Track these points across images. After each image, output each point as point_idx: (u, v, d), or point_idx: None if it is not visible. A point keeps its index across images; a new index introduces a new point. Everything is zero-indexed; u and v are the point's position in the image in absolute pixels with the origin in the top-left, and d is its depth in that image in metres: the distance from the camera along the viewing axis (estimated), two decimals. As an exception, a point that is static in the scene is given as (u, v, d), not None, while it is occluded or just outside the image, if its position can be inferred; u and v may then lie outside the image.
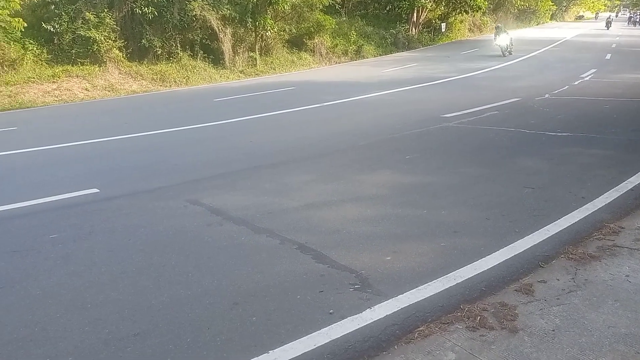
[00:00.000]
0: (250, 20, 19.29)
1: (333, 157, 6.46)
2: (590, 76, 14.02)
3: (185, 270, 3.38)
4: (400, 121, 8.63)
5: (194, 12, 17.99)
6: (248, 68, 19.82)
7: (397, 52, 25.91)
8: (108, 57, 16.69)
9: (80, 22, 16.25)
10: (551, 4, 48.49)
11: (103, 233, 4.15)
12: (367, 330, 2.58)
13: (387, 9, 28.14)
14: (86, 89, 15.71)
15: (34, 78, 15.28)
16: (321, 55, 22.76)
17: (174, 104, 13.51)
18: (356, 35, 24.40)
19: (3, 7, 14.89)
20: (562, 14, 59.08)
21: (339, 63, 22.93)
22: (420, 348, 2.42)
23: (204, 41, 18.98)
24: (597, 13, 63.30)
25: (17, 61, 15.36)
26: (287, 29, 21.57)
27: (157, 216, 4.51)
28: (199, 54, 18.77)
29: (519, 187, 4.86)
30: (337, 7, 24.62)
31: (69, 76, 15.88)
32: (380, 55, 24.79)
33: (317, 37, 22.57)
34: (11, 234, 4.27)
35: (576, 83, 12.69)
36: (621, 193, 4.52)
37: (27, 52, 15.65)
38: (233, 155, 6.86)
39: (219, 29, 18.91)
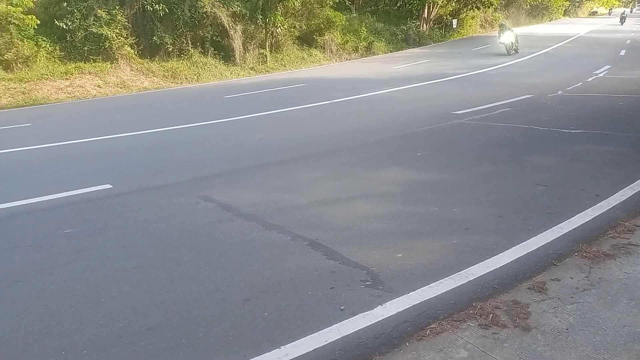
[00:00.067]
0: (261, 16, 19.31)
1: (343, 154, 6.45)
2: (604, 73, 13.85)
3: (197, 265, 3.40)
4: (411, 118, 8.59)
5: (205, 9, 18.05)
6: (258, 65, 19.86)
7: (408, 48, 25.79)
8: (120, 54, 16.82)
9: (92, 19, 16.38)
10: (564, -1, 47.98)
11: (116, 228, 4.19)
12: (378, 327, 2.58)
13: (398, 5, 28.00)
14: (98, 86, 15.84)
15: (47, 75, 15.45)
16: (331, 51, 22.73)
17: (185, 101, 13.57)
18: (367, 31, 24.32)
19: (17, 4, 15.06)
20: (575, 9, 58.34)
21: (349, 60, 22.89)
22: (432, 345, 2.42)
23: (214, 38, 19.05)
24: (611, 9, 62.40)
25: (31, 58, 15.53)
26: (297, 26, 21.56)
27: (169, 212, 4.54)
28: (210, 51, 18.84)
29: (531, 184, 4.82)
30: (347, 3, 24.57)
31: (82, 73, 16.03)
32: (390, 51, 24.70)
33: (327, 34, 22.53)
34: (26, 229, 4.32)
35: (590, 79, 12.54)
36: (636, 191, 4.47)
37: (41, 50, 15.82)
38: (243, 151, 6.88)
39: (229, 26, 18.95)
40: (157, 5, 17.06)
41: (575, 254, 3.31)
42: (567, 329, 2.49)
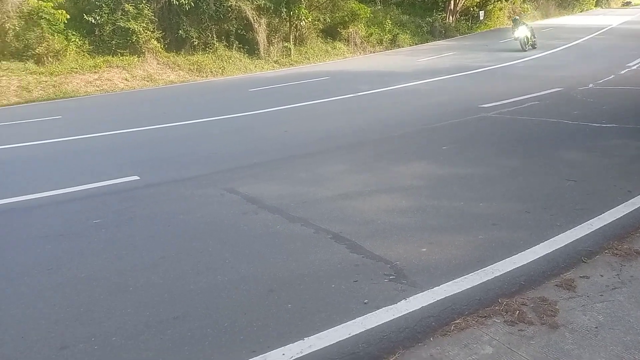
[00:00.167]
0: (285, 10, 19.32)
1: (367, 148, 6.43)
2: (637, 65, 13.38)
3: (223, 256, 3.44)
4: (436, 111, 8.49)
5: (230, 3, 18.17)
6: (282, 58, 19.89)
7: (434, 40, 25.44)
8: (147, 47, 17.08)
9: (119, 13, 16.67)
10: (596, -10, 46.55)
11: (143, 219, 4.28)
12: (402, 321, 2.57)
13: (424, -4, 27.64)
14: (126, 79, 16.14)
15: (76, 68, 15.81)
16: (355, 44, 22.60)
17: (210, 94, 13.71)
18: (391, 24, 24.07)
19: (47, -1, 15.43)
20: (607, 0, 56.52)
21: (374, 52, 22.72)
22: (456, 341, 2.40)
23: (239, 31, 19.15)
24: (645, -1, 60.23)
25: (61, 52, 15.91)
26: (321, 19, 21.49)
27: (195, 204, 4.61)
28: (235, 45, 18.95)
29: (560, 179, 4.71)
30: (372, -5, 24.39)
31: (110, 67, 16.35)
32: (415, 44, 24.41)
33: (351, 27, 22.39)
34: (57, 218, 4.45)
35: (622, 72, 12.14)
36: (670, 187, 4.32)
37: (70, 44, 16.19)
38: (268, 144, 6.92)
39: (253, 19, 19.03)
40: (183, 0, 17.25)
41: (606, 251, 3.23)
42: (596, 328, 2.44)
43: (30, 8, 15.60)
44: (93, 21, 16.45)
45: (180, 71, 17.46)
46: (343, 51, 21.94)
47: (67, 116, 11.10)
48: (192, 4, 17.38)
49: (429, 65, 16.16)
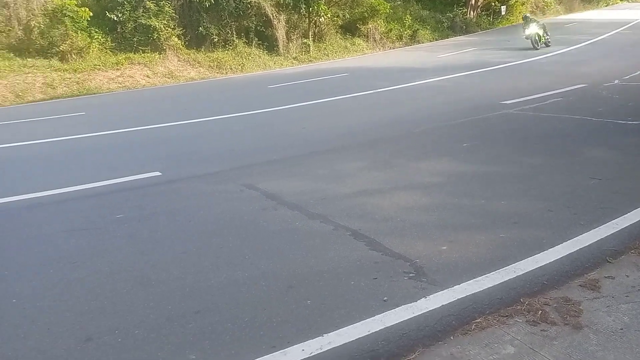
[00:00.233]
0: (304, 6, 19.31)
1: (387, 144, 6.39)
2: (665, 60, 13.04)
3: (242, 252, 3.47)
4: (457, 108, 8.40)
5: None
6: (301, 54, 19.90)
7: (454, 36, 25.15)
8: (167, 44, 17.27)
9: (141, 10, 16.87)
10: (623, -17, 45.31)
11: (165, 214, 4.34)
12: (422, 320, 2.56)
13: (444, -9, 27.31)
14: (147, 76, 16.35)
15: (99, 65, 16.07)
16: (375, 40, 22.47)
17: (229, 91, 13.80)
18: (411, 19, 23.85)
19: (71, -3, 15.71)
20: (634, -7, 54.99)
21: (393, 48, 22.55)
22: (477, 340, 2.38)
23: (258, 28, 19.22)
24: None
25: (84, 49, 16.20)
26: (340, 15, 21.43)
27: (214, 199, 4.65)
28: (254, 41, 19.03)
29: (584, 177, 4.62)
30: (392, -10, 24.18)
31: (131, 63, 16.58)
32: (436, 39, 24.15)
33: (370, 22, 22.26)
34: (81, 213, 4.54)
35: (650, 68, 11.83)
36: (700, 186, 4.21)
37: (93, 41, 16.46)
38: (287, 141, 6.94)
39: (273, 16, 19.07)
40: (203, -4, 17.37)
41: (632, 251, 3.16)
42: (621, 329, 2.39)
43: (55, 6, 15.90)
44: (115, 18, 16.69)
45: (201, 68, 17.61)
46: (362, 47, 21.84)
47: (90, 112, 11.29)
48: (212, 0, 17.49)
49: (449, 61, 15.98)
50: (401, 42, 23.15)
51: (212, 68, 17.69)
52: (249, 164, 5.81)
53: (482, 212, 3.97)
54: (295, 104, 9.89)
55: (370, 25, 22.32)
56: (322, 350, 2.35)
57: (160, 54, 17.17)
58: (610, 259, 3.07)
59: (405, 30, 23.30)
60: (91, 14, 16.06)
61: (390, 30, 22.91)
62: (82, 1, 16.30)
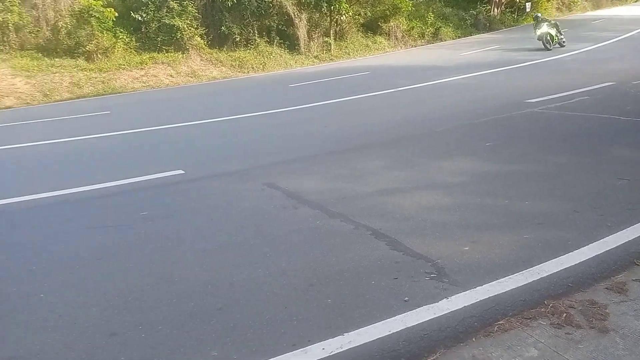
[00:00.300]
0: (326, 4, 19.31)
1: (408, 143, 6.35)
2: (698, 57, 12.63)
3: (263, 250, 3.49)
4: (480, 106, 8.29)
5: (271, -2, 18.32)
6: (322, 53, 19.91)
7: (478, 33, 24.81)
8: (190, 44, 17.48)
9: (165, 10, 17.11)
10: (654, -23, 43.97)
11: (188, 212, 4.40)
12: (443, 320, 2.54)
13: (468, -12, 26.95)
14: (171, 75, 16.59)
15: (124, 65, 16.37)
16: (396, 38, 22.33)
17: (251, 90, 13.89)
18: (434, 17, 23.64)
19: (97, -2, 16.04)
20: (666, -12, 53.36)
21: (415, 46, 22.39)
22: (500, 342, 2.35)
23: (280, 27, 19.30)
24: None
25: (109, 49, 16.52)
26: (362, 13, 21.36)
27: (236, 198, 4.69)
28: (275, 40, 19.12)
29: (611, 178, 4.50)
30: (414, -12, 23.99)
31: (155, 63, 16.84)
32: (459, 37, 23.88)
33: (392, 20, 22.13)
34: (106, 210, 4.64)
35: (681, 65, 11.48)
36: None
37: (118, 41, 16.77)
38: (308, 140, 6.95)
39: (294, 15, 19.12)
40: (225, -4, 17.52)
41: (661, 254, 3.08)
42: (650, 334, 2.33)
43: (81, 7, 16.25)
44: (139, 18, 16.97)
45: (223, 67, 17.78)
46: (384, 45, 21.73)
47: (115, 111, 11.51)
48: (234, 0, 17.62)
49: (472, 59, 15.78)
50: (423, 40, 22.96)
51: (234, 67, 17.84)
52: (270, 162, 5.84)
53: (506, 212, 3.91)
54: (316, 103, 9.90)
55: (392, 23, 22.19)
56: (342, 350, 2.35)
57: (183, 53, 17.39)
58: (638, 262, 3.00)
59: (427, 28, 23.10)
60: (116, 14, 16.37)
61: (412, 28, 22.74)
62: (108, 2, 16.62)
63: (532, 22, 16.84)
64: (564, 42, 16.57)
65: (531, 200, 4.10)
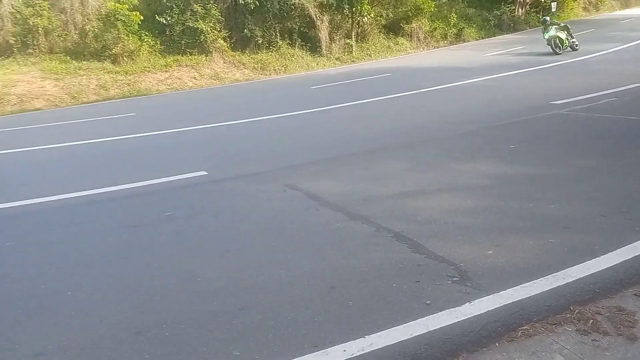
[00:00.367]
0: (347, 6, 19.32)
1: (430, 145, 6.31)
2: None
3: (285, 251, 3.51)
4: (503, 108, 8.17)
5: (293, 1, 18.42)
6: (344, 55, 19.93)
7: (501, 34, 24.48)
8: (214, 47, 17.70)
9: (189, 14, 17.36)
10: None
11: (211, 213, 4.46)
12: (466, 325, 2.51)
13: (491, -12, 26.63)
14: (194, 78, 16.82)
15: (149, 68, 16.68)
16: (419, 39, 22.20)
17: (273, 92, 13.98)
18: (456, 17, 23.42)
19: (123, 2, 16.38)
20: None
21: (438, 48, 22.21)
22: (524, 347, 2.31)
23: (301, 29, 19.39)
24: None
25: (135, 52, 16.85)
26: (384, 14, 21.31)
27: (258, 199, 4.73)
28: (297, 42, 19.22)
29: (641, 181, 4.40)
30: (436, -11, 23.82)
31: (179, 66, 17.10)
32: (482, 38, 23.60)
33: (414, 21, 22.02)
34: (131, 210, 4.73)
35: None
36: None
37: (143, 44, 17.10)
38: (329, 141, 6.96)
39: (316, 17, 19.18)
40: (248, -1, 17.70)
41: (693, 260, 2.99)
42: (681, 342, 2.27)
43: (108, 10, 16.62)
44: (164, 22, 17.26)
45: (245, 69, 17.94)
46: (406, 47, 21.63)
47: (141, 113, 11.73)
48: (256, 3, 17.79)
49: (496, 60, 15.57)
50: (446, 41, 22.77)
51: (256, 69, 17.99)
52: (291, 164, 5.87)
53: (530, 215, 3.85)
54: (338, 105, 9.91)
55: (414, 25, 22.07)
56: (363, 352, 2.35)
57: (206, 56, 17.61)
58: (669, 268, 2.92)
59: (450, 29, 22.90)
60: (142, 17, 16.69)
61: (435, 29, 22.57)
62: (134, 5, 16.95)
63: (547, 24, 15.78)
64: (576, 45, 15.57)
65: (557, 203, 4.03)
